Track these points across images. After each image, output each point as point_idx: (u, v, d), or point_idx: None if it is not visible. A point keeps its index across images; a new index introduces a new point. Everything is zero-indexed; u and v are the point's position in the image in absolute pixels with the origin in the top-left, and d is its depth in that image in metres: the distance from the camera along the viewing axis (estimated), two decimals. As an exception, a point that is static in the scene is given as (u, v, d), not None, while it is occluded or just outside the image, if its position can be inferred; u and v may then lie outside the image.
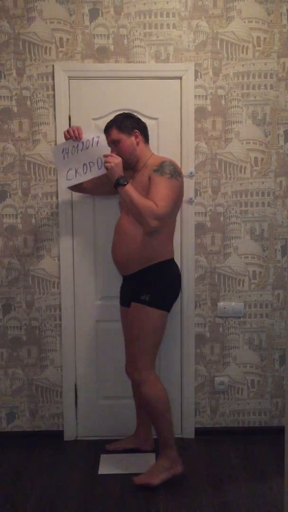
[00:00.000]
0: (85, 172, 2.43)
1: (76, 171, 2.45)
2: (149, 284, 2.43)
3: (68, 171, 2.46)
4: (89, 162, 2.42)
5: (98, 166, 2.40)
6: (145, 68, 2.82)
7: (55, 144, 2.82)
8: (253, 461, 2.73)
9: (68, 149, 2.46)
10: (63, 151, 2.48)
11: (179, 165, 2.57)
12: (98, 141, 2.39)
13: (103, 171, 2.39)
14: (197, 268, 2.94)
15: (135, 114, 2.56)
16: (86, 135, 2.43)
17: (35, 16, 2.79)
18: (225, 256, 2.95)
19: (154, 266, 2.44)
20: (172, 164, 2.41)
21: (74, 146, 2.44)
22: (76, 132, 2.45)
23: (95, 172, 2.42)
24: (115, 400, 2.95)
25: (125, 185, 2.33)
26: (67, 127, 2.70)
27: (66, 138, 2.48)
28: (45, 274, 2.92)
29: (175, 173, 2.38)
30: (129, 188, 2.33)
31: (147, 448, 2.77)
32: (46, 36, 2.80)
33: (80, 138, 2.44)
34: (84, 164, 2.43)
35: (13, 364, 2.97)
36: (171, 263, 2.51)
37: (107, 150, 2.42)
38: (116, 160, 2.35)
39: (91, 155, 2.42)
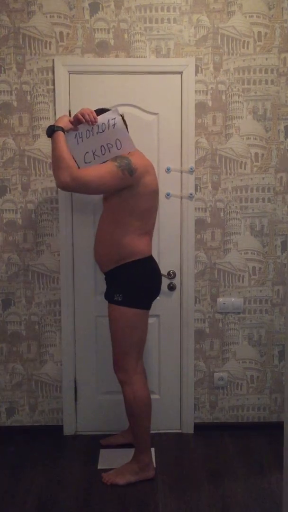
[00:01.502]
0: (104, 154, 2.36)
1: (94, 153, 2.38)
2: (122, 283, 2.39)
3: (85, 154, 2.39)
4: (107, 144, 2.35)
5: (117, 147, 2.33)
6: (145, 63, 2.81)
7: (46, 133, 2.78)
8: (252, 456, 2.74)
9: (81, 133, 2.39)
10: (75, 136, 2.40)
11: (147, 166, 2.38)
12: (115, 124, 2.32)
13: (122, 151, 2.33)
14: (197, 263, 2.94)
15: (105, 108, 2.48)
16: (101, 119, 2.35)
17: (35, 10, 2.78)
18: (225, 252, 2.95)
19: (127, 265, 2.39)
20: (129, 160, 2.29)
21: (88, 130, 2.37)
22: (91, 116, 2.35)
23: (115, 152, 2.34)
24: (114, 395, 2.95)
25: (58, 131, 2.29)
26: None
27: (78, 122, 2.38)
28: (45, 269, 2.92)
29: (126, 167, 2.26)
30: (61, 138, 2.29)
31: None
32: (46, 30, 2.79)
33: (96, 122, 2.36)
34: (102, 146, 2.36)
35: (13, 359, 2.97)
36: (146, 261, 2.43)
37: (125, 131, 2.34)
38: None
39: (109, 137, 2.34)
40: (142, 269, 2.42)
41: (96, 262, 2.55)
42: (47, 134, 2.35)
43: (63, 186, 2.23)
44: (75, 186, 2.23)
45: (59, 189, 2.34)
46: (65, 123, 2.35)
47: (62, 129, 2.32)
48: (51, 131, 2.32)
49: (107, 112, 2.36)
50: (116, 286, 2.41)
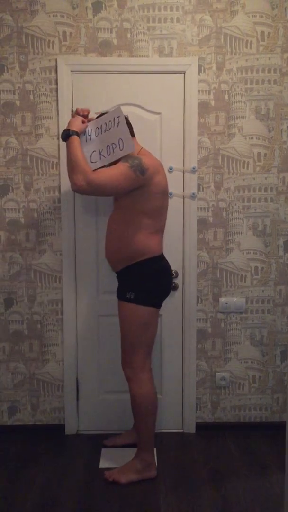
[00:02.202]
0: (109, 154, 2.35)
1: (100, 153, 2.38)
2: (134, 282, 2.42)
3: (92, 153, 2.38)
4: (112, 143, 2.34)
5: (120, 148, 2.31)
6: (148, 62, 2.80)
7: (58, 138, 2.82)
8: (254, 457, 2.73)
9: (90, 131, 2.40)
10: (85, 133, 2.41)
11: (157, 165, 2.40)
12: (119, 122, 2.31)
13: (125, 152, 2.31)
14: (199, 263, 2.94)
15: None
16: (111, 115, 2.35)
17: (38, 9, 2.78)
18: (227, 252, 2.94)
19: (139, 263, 2.41)
20: (140, 160, 2.31)
21: (97, 128, 2.37)
22: (83, 111, 2.42)
23: (118, 154, 2.33)
24: (116, 395, 2.96)
25: (73, 136, 2.31)
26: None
27: (78, 114, 2.42)
28: (47, 269, 2.93)
29: (138, 168, 2.28)
30: (76, 143, 2.30)
31: None
32: (49, 29, 2.79)
33: (87, 113, 2.41)
34: (108, 145, 2.35)
35: (15, 358, 2.98)
36: (157, 259, 2.45)
37: (127, 130, 2.32)
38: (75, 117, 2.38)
39: (114, 136, 2.33)
40: (154, 268, 2.44)
41: (108, 261, 2.56)
42: (62, 138, 2.36)
43: (78, 190, 2.25)
44: (90, 190, 2.24)
45: (73, 191, 2.34)
46: (79, 126, 2.36)
47: (77, 133, 2.34)
48: (66, 136, 2.33)
49: (112, 110, 2.35)
50: (128, 284, 2.43)
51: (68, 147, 2.32)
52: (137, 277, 2.42)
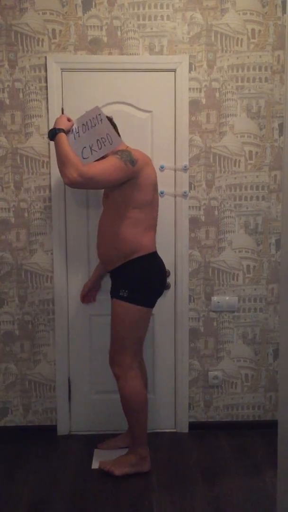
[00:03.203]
0: (100, 148, 2.40)
1: (91, 148, 2.42)
2: (128, 280, 2.42)
3: (83, 149, 2.43)
4: (101, 138, 2.40)
5: (109, 141, 2.37)
6: (138, 60, 2.79)
7: (48, 137, 2.79)
8: (247, 455, 2.73)
9: (77, 128, 2.44)
10: (72, 131, 2.45)
11: (146, 158, 2.45)
12: (101, 119, 2.38)
13: (115, 145, 2.37)
14: (191, 262, 2.93)
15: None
16: (91, 114, 2.40)
17: (27, 7, 2.75)
18: (219, 250, 2.94)
19: (132, 261, 2.41)
20: (130, 152, 2.35)
21: (84, 124, 2.42)
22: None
23: (109, 147, 2.39)
24: (108, 395, 2.94)
25: (61, 133, 2.35)
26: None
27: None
28: (38, 268, 2.90)
29: (128, 159, 2.31)
30: (64, 139, 2.34)
31: None
32: (39, 27, 2.76)
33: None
34: (97, 140, 2.40)
35: (6, 359, 2.95)
36: (150, 257, 2.46)
37: (109, 126, 2.38)
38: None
39: (101, 131, 2.39)
40: (148, 266, 2.44)
41: (101, 261, 2.56)
42: (49, 137, 2.40)
43: (71, 182, 2.25)
44: (82, 182, 2.25)
45: (67, 185, 2.35)
46: (65, 124, 2.41)
47: (63, 131, 2.37)
48: (53, 134, 2.37)
49: (91, 110, 2.40)
50: (122, 282, 2.43)
51: (56, 144, 2.35)
52: (131, 275, 2.42)
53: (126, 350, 2.45)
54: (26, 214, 2.87)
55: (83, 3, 2.77)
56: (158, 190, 2.54)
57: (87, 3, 2.77)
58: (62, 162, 2.28)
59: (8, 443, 2.87)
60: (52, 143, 2.74)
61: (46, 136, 2.76)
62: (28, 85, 2.79)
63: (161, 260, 2.54)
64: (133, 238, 2.40)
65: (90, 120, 2.41)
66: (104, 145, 2.39)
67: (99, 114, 2.38)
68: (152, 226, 2.49)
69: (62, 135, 2.35)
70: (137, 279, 2.41)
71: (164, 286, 2.55)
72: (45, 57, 2.77)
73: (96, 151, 2.40)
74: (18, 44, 2.77)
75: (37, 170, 2.84)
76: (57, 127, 2.38)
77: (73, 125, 2.44)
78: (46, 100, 2.79)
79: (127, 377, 2.45)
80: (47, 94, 2.78)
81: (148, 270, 2.44)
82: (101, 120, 2.38)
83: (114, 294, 2.46)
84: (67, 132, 2.40)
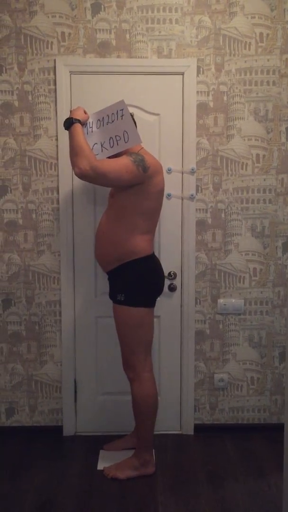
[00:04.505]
0: (112, 146, 2.36)
1: (102, 145, 2.39)
2: (124, 283, 2.41)
3: (94, 145, 2.39)
4: (116, 136, 2.35)
5: (125, 140, 2.33)
6: (147, 63, 2.80)
7: (56, 139, 2.82)
8: (252, 458, 2.73)
9: (91, 123, 2.41)
10: (86, 125, 2.42)
11: (157, 166, 2.41)
12: (123, 115, 2.32)
13: (130, 144, 2.33)
14: (197, 264, 2.93)
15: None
16: (114, 107, 2.36)
17: (37, 10, 2.77)
18: (225, 253, 2.94)
19: (128, 264, 2.40)
20: (143, 157, 2.32)
21: (99, 120, 2.39)
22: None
23: (122, 146, 2.35)
24: (114, 396, 2.95)
25: (77, 123, 2.35)
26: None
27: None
28: (45, 270, 2.92)
29: (140, 163, 2.29)
30: (79, 130, 2.33)
31: None
32: (48, 30, 2.78)
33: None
34: (111, 137, 2.36)
35: (13, 359, 2.97)
36: (147, 259, 2.43)
37: (132, 123, 2.34)
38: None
39: (118, 128, 2.34)
40: (143, 268, 2.43)
41: (97, 261, 2.56)
42: (64, 126, 2.38)
43: (82, 174, 2.25)
44: (93, 176, 2.25)
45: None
46: (82, 115, 2.40)
47: (80, 122, 2.36)
48: (69, 124, 2.35)
49: (115, 103, 2.35)
50: (118, 286, 2.43)
51: (71, 134, 2.33)
52: (126, 278, 2.41)
53: (135, 352, 2.46)
54: (34, 216, 2.89)
55: (92, 7, 2.78)
56: (163, 197, 2.51)
57: (96, 7, 2.79)
58: (76, 152, 2.27)
59: (14, 443, 2.89)
60: (61, 145, 2.77)
61: (57, 137, 2.78)
62: (37, 88, 2.81)
63: (158, 261, 2.53)
64: (129, 242, 2.38)
65: (108, 115, 2.36)
66: (117, 144, 2.34)
67: (122, 109, 2.32)
68: (151, 230, 2.47)
69: (78, 125, 2.34)
70: (133, 281, 2.40)
71: (162, 286, 2.54)
72: (54, 60, 2.79)
73: (107, 149, 2.37)
74: (28, 47, 2.79)
75: (45, 172, 2.86)
76: (74, 117, 2.37)
77: (88, 118, 2.42)
78: (54, 103, 2.81)
79: (140, 380, 2.46)
80: (55, 97, 2.80)
81: (144, 272, 2.43)
82: (122, 116, 2.32)
83: (113, 298, 2.47)
84: (82, 124, 2.39)
